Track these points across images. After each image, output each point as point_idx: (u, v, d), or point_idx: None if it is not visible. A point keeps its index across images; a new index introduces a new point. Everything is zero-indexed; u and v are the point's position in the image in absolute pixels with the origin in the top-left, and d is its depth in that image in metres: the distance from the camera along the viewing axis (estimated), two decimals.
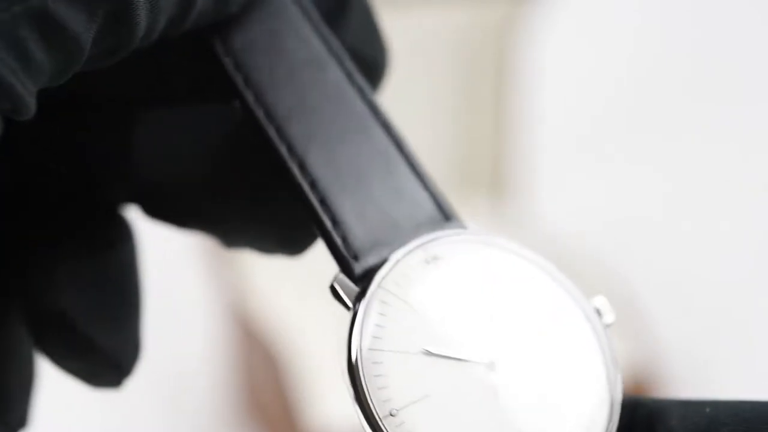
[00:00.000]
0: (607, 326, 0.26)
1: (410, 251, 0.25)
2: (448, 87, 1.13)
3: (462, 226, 0.27)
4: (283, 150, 0.25)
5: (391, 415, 0.23)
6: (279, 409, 0.97)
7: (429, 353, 0.24)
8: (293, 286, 1.00)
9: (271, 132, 0.25)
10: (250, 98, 0.26)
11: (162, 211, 0.28)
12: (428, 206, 0.26)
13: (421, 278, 0.25)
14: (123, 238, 0.28)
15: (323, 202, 0.25)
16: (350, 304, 0.24)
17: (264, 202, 0.27)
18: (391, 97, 1.18)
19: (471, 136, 1.15)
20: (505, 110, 1.12)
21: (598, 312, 0.26)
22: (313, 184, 0.25)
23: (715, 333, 1.13)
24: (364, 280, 0.24)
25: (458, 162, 1.15)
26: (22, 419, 0.27)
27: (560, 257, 1.09)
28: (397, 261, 0.25)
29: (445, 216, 0.27)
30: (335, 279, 0.25)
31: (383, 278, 0.24)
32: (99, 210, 0.28)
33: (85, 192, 0.27)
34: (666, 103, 1.45)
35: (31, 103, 0.21)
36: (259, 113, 0.26)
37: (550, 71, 1.35)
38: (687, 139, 1.39)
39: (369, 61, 0.29)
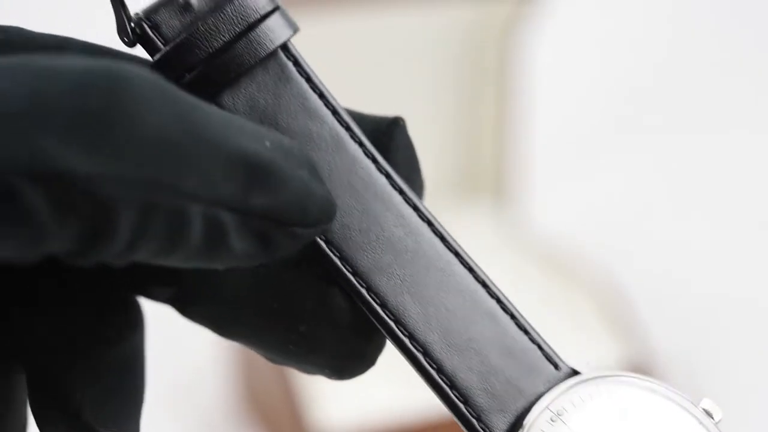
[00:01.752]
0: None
1: (538, 414, 0.25)
2: (449, 88, 1.13)
3: (572, 370, 0.28)
4: (379, 310, 0.26)
5: None
6: (280, 410, 0.98)
7: None
8: None
9: (362, 290, 0.26)
10: (333, 257, 0.26)
11: (200, 317, 0.28)
12: (536, 357, 0.27)
13: None
14: (136, 326, 0.27)
15: (440, 370, 0.26)
16: None
17: (313, 328, 0.27)
18: (391, 97, 1.19)
19: (472, 139, 1.15)
20: (506, 113, 1.13)
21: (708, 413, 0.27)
22: (426, 352, 0.26)
23: (710, 334, 1.13)
24: None
25: (460, 165, 1.15)
26: None
27: (559, 259, 1.10)
28: (529, 427, 0.25)
29: (553, 363, 0.27)
30: None
31: None
32: (116, 295, 0.26)
33: (110, 280, 0.26)
34: (664, 105, 1.45)
35: None
36: (346, 270, 0.26)
37: (550, 74, 1.35)
38: (684, 143, 1.39)
39: None
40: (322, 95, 0.27)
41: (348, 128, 0.26)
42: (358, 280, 0.26)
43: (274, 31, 0.26)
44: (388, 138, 0.27)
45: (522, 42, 1.10)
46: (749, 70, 1.49)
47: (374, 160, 0.26)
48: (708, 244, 1.25)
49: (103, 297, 0.26)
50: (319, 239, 0.26)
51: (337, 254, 0.26)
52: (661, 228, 1.28)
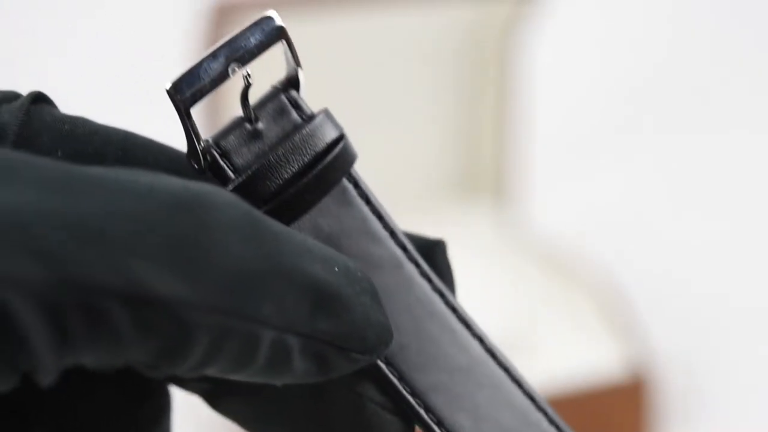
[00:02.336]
0: None
1: None
2: (449, 88, 1.13)
3: None
4: (436, 429, 0.26)
5: None
6: None
7: None
8: None
9: (421, 411, 0.26)
10: (392, 377, 0.26)
11: (229, 413, 0.28)
12: None
13: None
14: (166, 410, 0.27)
15: None
16: None
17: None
18: (392, 97, 1.19)
19: (472, 139, 1.15)
20: (506, 113, 1.13)
21: None
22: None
23: (710, 334, 1.13)
24: None
25: (460, 165, 1.15)
26: None
27: (559, 259, 1.10)
28: None
29: None
30: None
31: None
32: (149, 381, 0.27)
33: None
34: (664, 105, 1.45)
35: (52, 374, 0.21)
36: (404, 390, 0.26)
37: (550, 74, 1.36)
38: (683, 143, 1.39)
39: None
40: (380, 217, 0.27)
41: (405, 249, 0.27)
42: (417, 400, 0.26)
43: (340, 159, 0.26)
44: (430, 259, 0.28)
45: (522, 42, 1.10)
46: (749, 70, 1.49)
47: (429, 280, 0.27)
48: (708, 244, 1.25)
49: (137, 382, 0.26)
50: (379, 360, 0.26)
51: (396, 374, 0.26)
52: (661, 228, 1.28)
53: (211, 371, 0.23)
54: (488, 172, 1.15)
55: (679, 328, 1.13)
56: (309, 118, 0.27)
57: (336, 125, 0.27)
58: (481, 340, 0.27)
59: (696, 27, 1.52)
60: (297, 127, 0.26)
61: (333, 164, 0.26)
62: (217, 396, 0.28)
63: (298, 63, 0.27)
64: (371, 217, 0.27)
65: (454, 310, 0.27)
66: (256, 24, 0.27)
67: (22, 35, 1.42)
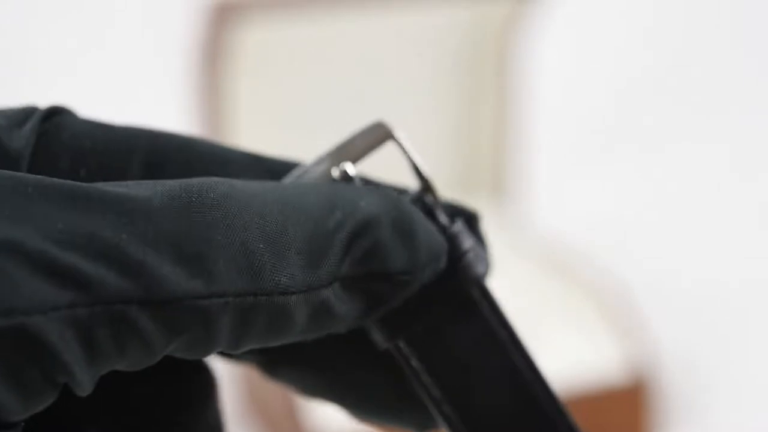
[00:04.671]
0: None
1: None
2: (449, 88, 1.13)
3: None
4: None
5: None
6: (280, 411, 0.98)
7: None
8: None
9: None
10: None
11: (286, 379, 0.28)
12: None
13: None
14: (214, 383, 0.27)
15: None
16: None
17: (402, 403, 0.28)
18: (392, 97, 1.18)
19: (472, 138, 1.15)
20: (506, 112, 1.13)
21: None
22: None
23: (711, 332, 1.13)
24: None
25: (459, 165, 1.15)
26: None
27: (559, 259, 1.10)
28: None
29: None
30: None
31: None
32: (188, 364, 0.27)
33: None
34: (664, 105, 1.45)
35: (88, 384, 0.21)
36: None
37: (550, 74, 1.36)
38: (684, 143, 1.39)
39: None
40: (504, 325, 0.28)
41: (524, 356, 0.28)
42: None
43: (472, 268, 0.27)
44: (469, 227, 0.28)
45: (522, 41, 1.10)
46: (750, 72, 1.49)
47: (548, 391, 0.28)
48: (708, 244, 1.25)
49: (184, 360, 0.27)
50: None
51: None
52: (661, 228, 1.28)
53: (251, 345, 0.23)
54: (488, 171, 1.15)
55: (679, 327, 1.13)
56: (443, 227, 0.27)
57: (469, 236, 0.27)
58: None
59: (698, 28, 1.52)
60: None
61: (461, 274, 0.27)
62: (271, 367, 0.28)
63: (419, 171, 0.27)
64: (494, 327, 0.27)
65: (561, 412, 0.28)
66: (364, 129, 0.27)
67: (23, 35, 1.42)
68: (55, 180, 0.22)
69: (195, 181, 0.23)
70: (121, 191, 0.22)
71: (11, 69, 1.36)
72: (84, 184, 0.22)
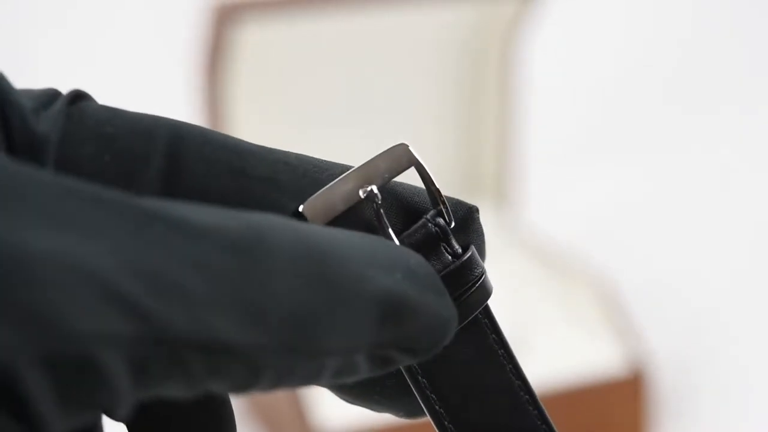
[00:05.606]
0: None
1: None
2: (451, 89, 1.13)
3: None
4: None
5: None
6: (282, 410, 0.98)
7: None
8: None
9: None
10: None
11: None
12: None
13: None
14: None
15: None
16: None
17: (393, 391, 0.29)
18: (393, 98, 1.18)
19: (474, 140, 1.15)
20: (508, 115, 1.13)
21: None
22: None
23: (704, 334, 1.13)
24: None
25: (461, 166, 1.16)
26: None
27: (560, 260, 1.10)
28: None
29: None
30: None
31: None
32: None
33: None
34: (665, 106, 1.45)
35: (127, 412, 0.21)
36: None
37: (552, 76, 1.36)
38: (684, 145, 1.39)
39: None
40: (505, 347, 0.28)
41: (520, 378, 0.28)
42: None
43: (480, 296, 0.28)
44: (464, 222, 0.28)
45: (524, 43, 1.10)
46: (744, 74, 1.49)
47: (537, 408, 0.28)
48: (705, 245, 1.25)
49: None
50: None
51: None
52: (660, 229, 1.28)
53: (283, 388, 0.23)
54: (489, 173, 1.15)
55: (678, 327, 1.14)
56: (457, 254, 0.27)
57: (480, 263, 0.28)
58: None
59: (699, 31, 1.52)
60: (445, 265, 0.27)
61: (473, 297, 0.27)
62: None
63: (436, 192, 0.28)
64: (495, 347, 0.28)
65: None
66: (388, 151, 0.27)
67: (23, 35, 1.42)
68: (127, 197, 0.21)
69: (251, 216, 0.23)
70: (180, 215, 0.22)
71: (11, 69, 1.36)
72: (157, 205, 0.22)
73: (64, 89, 0.27)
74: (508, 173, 1.15)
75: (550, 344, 0.98)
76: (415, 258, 0.25)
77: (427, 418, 0.29)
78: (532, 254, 1.11)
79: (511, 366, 0.28)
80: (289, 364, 0.22)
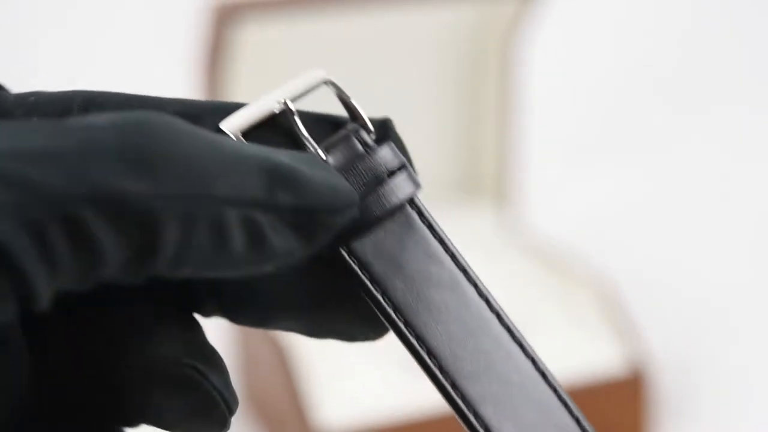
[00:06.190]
0: None
1: None
2: (451, 89, 1.13)
3: None
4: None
5: None
6: (282, 409, 0.98)
7: None
8: None
9: (470, 416, 0.29)
10: (446, 383, 0.29)
11: (248, 322, 0.31)
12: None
13: None
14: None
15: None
16: None
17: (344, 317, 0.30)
18: (393, 98, 1.18)
19: (474, 140, 1.15)
20: (508, 114, 1.13)
21: None
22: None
23: (704, 334, 1.13)
24: None
25: (461, 166, 1.16)
26: None
27: (560, 260, 1.10)
28: None
29: None
30: None
31: None
32: (169, 314, 0.29)
33: (159, 306, 0.29)
34: (665, 106, 1.45)
35: (45, 297, 0.23)
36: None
37: (552, 77, 1.36)
38: (684, 146, 1.39)
39: None
40: (442, 241, 0.30)
41: (464, 271, 0.30)
42: (468, 406, 0.29)
43: (401, 187, 0.29)
44: (383, 134, 0.31)
45: (524, 43, 1.10)
46: (744, 74, 1.49)
47: (487, 301, 0.30)
48: (705, 245, 1.25)
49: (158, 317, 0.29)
50: (433, 366, 0.29)
51: (450, 382, 0.29)
52: (661, 229, 1.29)
53: (192, 264, 0.25)
54: (489, 172, 1.15)
55: (679, 327, 1.14)
56: (371, 146, 0.30)
57: (398, 156, 0.30)
58: (533, 361, 0.30)
59: (699, 31, 1.52)
60: (360, 156, 0.29)
61: (391, 189, 0.29)
62: (233, 313, 0.30)
63: (353, 107, 0.31)
64: (433, 241, 0.30)
65: (510, 330, 0.30)
66: (303, 74, 0.31)
67: (23, 35, 1.42)
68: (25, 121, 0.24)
69: (144, 112, 0.25)
70: (63, 121, 0.24)
71: (11, 69, 1.36)
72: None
73: (65, 89, 0.29)
74: (508, 173, 1.15)
75: (549, 344, 0.98)
76: (305, 153, 0.28)
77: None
78: (532, 254, 1.11)
79: (452, 258, 0.29)
80: (186, 211, 0.24)
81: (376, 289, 0.29)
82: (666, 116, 1.43)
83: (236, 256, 0.25)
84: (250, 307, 0.30)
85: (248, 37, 0.97)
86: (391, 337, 0.30)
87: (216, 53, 0.97)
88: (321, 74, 0.30)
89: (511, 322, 0.30)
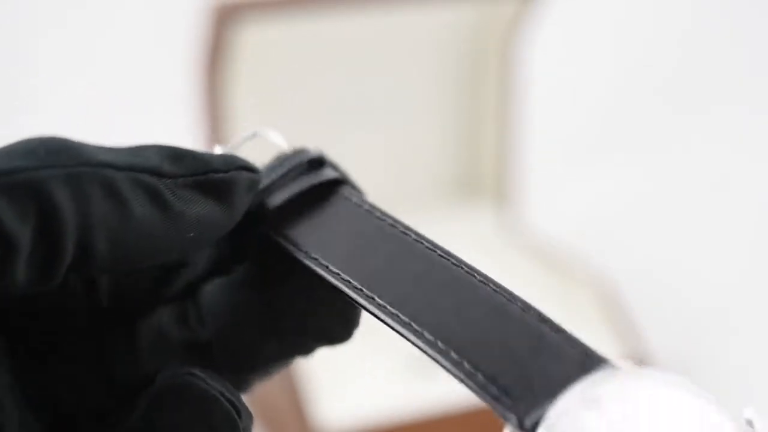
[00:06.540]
0: None
1: (573, 398, 0.25)
2: (450, 89, 1.13)
3: (613, 367, 0.27)
4: (402, 326, 0.29)
5: None
6: (282, 409, 0.98)
7: None
8: None
9: (391, 318, 0.29)
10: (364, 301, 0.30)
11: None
12: (576, 356, 0.27)
13: (584, 424, 0.25)
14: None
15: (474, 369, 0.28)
16: None
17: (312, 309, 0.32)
18: (393, 98, 1.18)
19: (473, 140, 1.15)
20: (508, 114, 1.13)
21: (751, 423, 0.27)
22: (441, 347, 0.28)
23: (704, 334, 1.13)
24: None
25: (461, 166, 1.16)
26: None
27: (560, 260, 1.10)
28: (563, 409, 0.25)
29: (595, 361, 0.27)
30: None
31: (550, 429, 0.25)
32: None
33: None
34: (666, 106, 1.45)
35: None
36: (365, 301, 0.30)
37: (552, 77, 1.36)
38: (684, 146, 1.39)
39: None
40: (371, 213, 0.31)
41: (393, 226, 0.31)
42: (385, 311, 0.29)
43: (324, 174, 0.33)
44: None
45: (524, 43, 1.10)
46: (744, 74, 1.49)
47: (390, 224, 0.31)
48: (705, 245, 1.25)
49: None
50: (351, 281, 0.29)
51: (366, 295, 0.30)
52: (661, 229, 1.29)
53: (106, 233, 0.26)
54: (489, 172, 1.15)
55: (679, 327, 1.14)
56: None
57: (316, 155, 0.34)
58: (434, 249, 0.30)
59: (699, 31, 1.52)
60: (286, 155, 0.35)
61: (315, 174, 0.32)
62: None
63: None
64: (363, 211, 0.31)
65: (413, 233, 0.30)
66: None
67: (24, 36, 1.42)
68: None
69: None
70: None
71: (11, 69, 1.36)
72: None
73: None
74: (508, 173, 1.15)
75: None
76: None
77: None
78: (532, 254, 1.11)
79: (377, 214, 0.31)
80: (70, 173, 0.25)
81: (313, 261, 0.30)
82: (666, 116, 1.43)
83: (147, 223, 0.26)
84: (249, 361, 0.34)
85: (248, 37, 0.97)
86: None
87: (216, 53, 0.97)
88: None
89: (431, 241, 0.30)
